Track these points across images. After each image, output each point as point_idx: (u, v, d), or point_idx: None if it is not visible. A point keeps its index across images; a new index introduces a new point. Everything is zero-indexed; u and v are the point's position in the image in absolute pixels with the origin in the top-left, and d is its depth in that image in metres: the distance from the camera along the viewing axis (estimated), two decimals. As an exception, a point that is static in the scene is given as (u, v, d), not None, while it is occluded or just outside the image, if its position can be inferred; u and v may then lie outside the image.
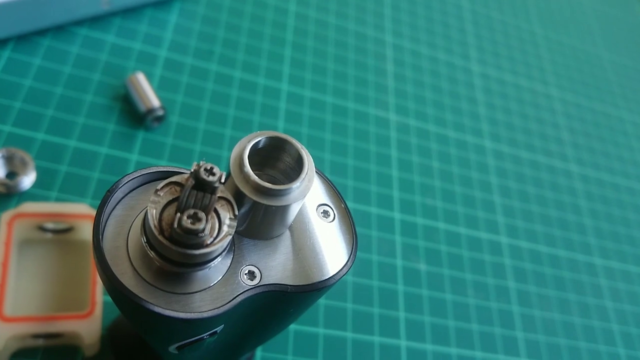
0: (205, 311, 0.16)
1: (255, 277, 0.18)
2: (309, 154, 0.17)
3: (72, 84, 0.37)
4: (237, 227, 0.17)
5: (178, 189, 0.16)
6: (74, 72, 0.37)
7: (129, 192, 0.18)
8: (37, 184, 0.32)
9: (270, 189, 0.16)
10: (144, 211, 0.17)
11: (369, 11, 0.52)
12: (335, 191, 0.21)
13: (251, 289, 0.17)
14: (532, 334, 0.40)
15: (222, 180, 0.15)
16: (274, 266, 0.18)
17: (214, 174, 0.15)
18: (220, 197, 0.16)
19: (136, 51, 0.40)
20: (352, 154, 0.42)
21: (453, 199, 0.44)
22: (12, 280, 0.28)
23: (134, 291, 0.16)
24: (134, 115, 0.37)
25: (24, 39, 0.37)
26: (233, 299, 0.17)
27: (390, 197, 0.41)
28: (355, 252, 0.19)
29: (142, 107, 0.36)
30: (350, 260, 0.19)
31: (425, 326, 0.37)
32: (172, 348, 0.18)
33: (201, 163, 0.15)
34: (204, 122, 0.39)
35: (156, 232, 0.15)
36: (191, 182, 0.15)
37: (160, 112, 0.36)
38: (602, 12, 0.68)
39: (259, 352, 0.32)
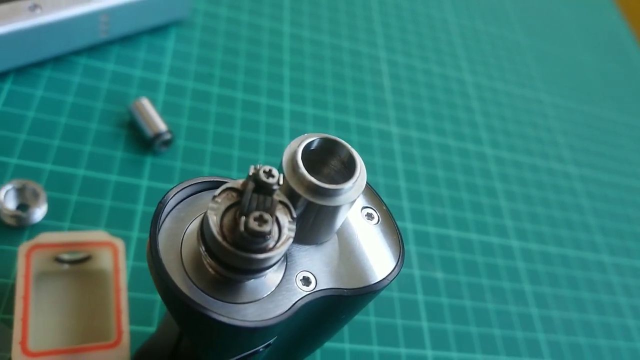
0: (270, 319, 0.16)
1: (310, 282, 0.17)
2: (358, 155, 0.17)
3: (75, 113, 0.36)
4: (291, 231, 0.16)
5: (234, 194, 0.15)
6: (77, 101, 0.37)
7: (176, 205, 0.17)
8: (48, 215, 0.31)
9: (327, 189, 0.16)
10: (197, 221, 0.17)
11: (361, 29, 0.53)
12: (375, 193, 0.20)
13: (308, 294, 0.17)
14: (553, 334, 0.40)
15: (281, 182, 0.15)
16: (328, 271, 0.18)
17: (273, 176, 0.15)
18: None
19: (137, 78, 0.40)
20: (359, 167, 0.42)
21: (461, 206, 0.44)
22: (31, 315, 0.27)
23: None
24: (140, 141, 0.37)
25: (24, 72, 0.37)
26: (292, 306, 0.16)
27: (401, 208, 0.41)
28: (404, 252, 0.19)
29: (149, 132, 0.36)
30: (400, 260, 0.19)
31: (448, 334, 0.36)
32: (227, 364, 0.18)
33: (258, 166, 0.15)
34: (211, 144, 0.39)
35: (220, 238, 0.14)
36: (251, 185, 0.15)
37: (168, 136, 0.36)
38: (581, 20, 0.71)
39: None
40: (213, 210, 0.15)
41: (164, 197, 0.16)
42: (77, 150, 0.35)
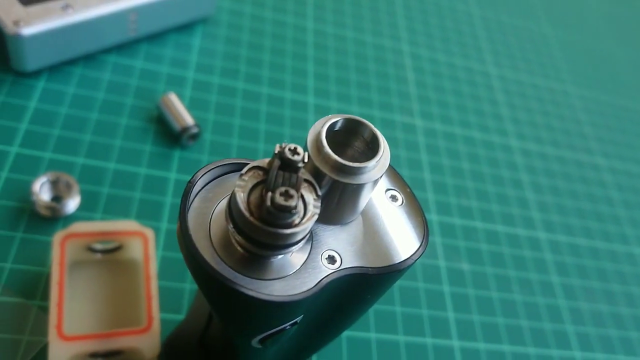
0: (296, 294, 0.16)
1: (335, 261, 0.18)
2: (381, 134, 0.17)
3: (106, 109, 0.37)
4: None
5: (260, 173, 0.16)
6: (107, 97, 0.38)
7: (204, 186, 0.18)
8: (81, 206, 0.32)
9: (352, 167, 0.16)
10: (225, 201, 0.17)
11: (384, 23, 0.53)
12: (398, 176, 0.21)
13: (334, 272, 0.17)
14: (582, 326, 0.39)
15: (305, 160, 0.15)
16: (353, 250, 0.18)
17: (298, 154, 0.15)
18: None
19: (164, 74, 0.41)
20: (383, 160, 0.42)
21: (487, 198, 0.43)
22: (66, 301, 0.28)
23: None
24: (168, 135, 0.37)
25: (57, 70, 0.38)
26: (318, 283, 0.17)
27: (426, 200, 0.41)
28: (428, 233, 0.19)
29: (177, 126, 0.37)
30: (424, 240, 0.19)
31: (475, 325, 0.36)
32: (255, 342, 0.18)
33: (283, 144, 0.15)
34: (236, 138, 0.39)
35: (247, 214, 0.15)
36: (277, 162, 0.15)
37: (195, 130, 0.37)
38: (609, 11, 0.69)
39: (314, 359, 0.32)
40: (240, 187, 0.15)
41: (193, 176, 0.17)
42: (108, 144, 0.36)
